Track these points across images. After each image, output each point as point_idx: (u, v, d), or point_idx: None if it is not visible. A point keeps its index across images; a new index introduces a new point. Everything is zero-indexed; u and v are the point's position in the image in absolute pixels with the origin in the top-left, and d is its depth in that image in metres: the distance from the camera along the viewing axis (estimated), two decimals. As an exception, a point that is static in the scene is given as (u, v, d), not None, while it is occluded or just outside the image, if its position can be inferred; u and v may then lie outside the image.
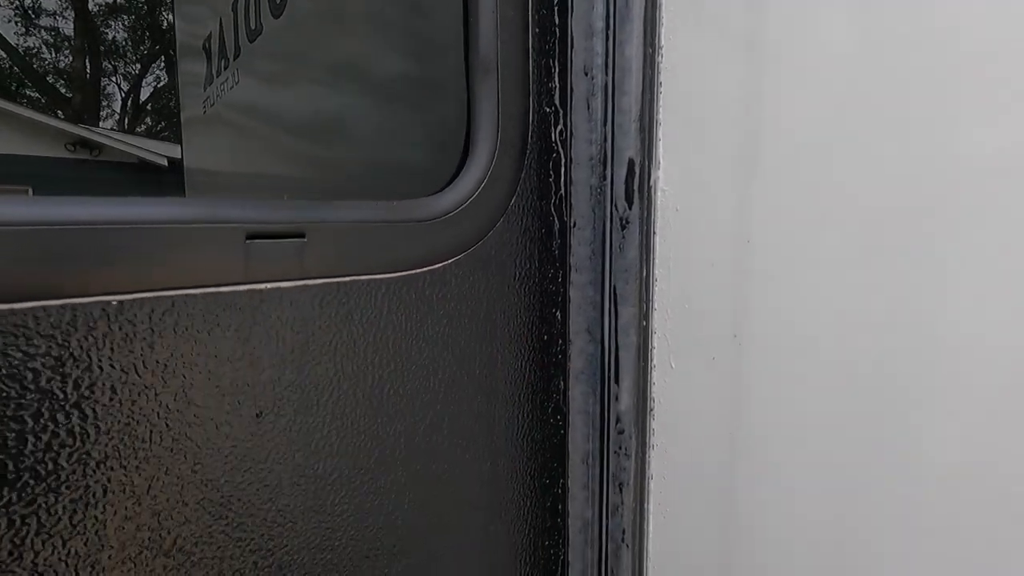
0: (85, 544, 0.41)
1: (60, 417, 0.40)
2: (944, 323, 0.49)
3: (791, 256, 0.58)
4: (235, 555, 0.49)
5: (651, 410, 0.70)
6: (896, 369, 0.52)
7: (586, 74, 0.69)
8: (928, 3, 0.48)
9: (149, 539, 0.44)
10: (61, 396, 0.40)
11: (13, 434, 0.39)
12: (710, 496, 0.67)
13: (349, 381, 0.53)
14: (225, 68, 2.18)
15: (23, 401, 0.39)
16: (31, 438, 0.39)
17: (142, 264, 0.42)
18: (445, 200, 0.60)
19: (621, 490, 0.71)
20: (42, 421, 0.40)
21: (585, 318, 0.73)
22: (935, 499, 0.50)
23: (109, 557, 0.42)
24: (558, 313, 0.72)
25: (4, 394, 0.38)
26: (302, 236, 0.49)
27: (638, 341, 0.69)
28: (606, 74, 0.68)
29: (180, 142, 2.90)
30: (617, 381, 0.70)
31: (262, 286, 0.47)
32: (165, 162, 12.22)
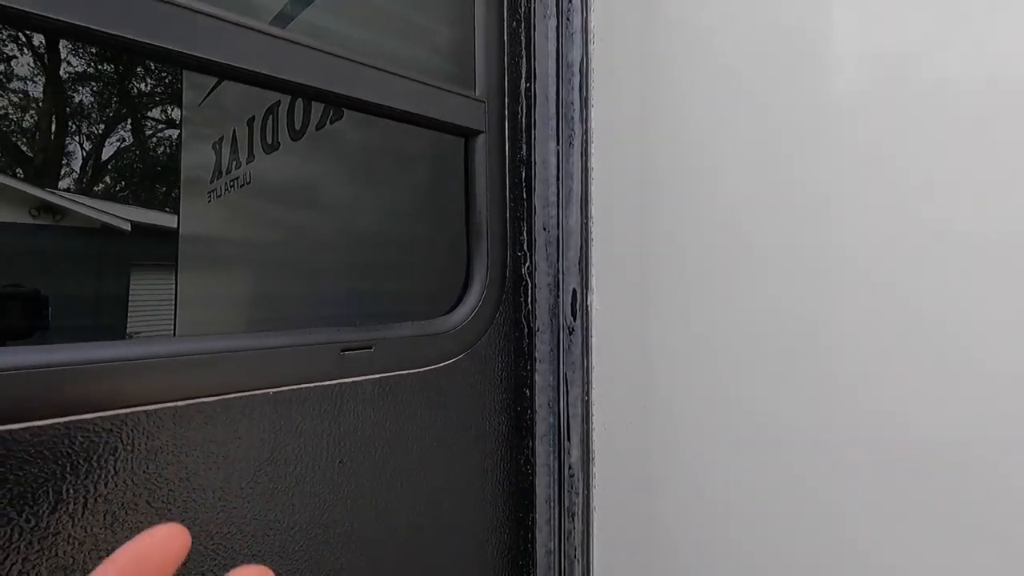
0: None
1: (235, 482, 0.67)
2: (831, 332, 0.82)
3: (684, 355, 0.91)
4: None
5: (592, 460, 1.00)
6: (805, 426, 0.84)
7: (544, 230, 1.04)
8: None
9: None
10: (243, 461, 0.67)
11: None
12: (637, 520, 0.96)
13: (396, 440, 0.82)
14: (236, 168, 2.49)
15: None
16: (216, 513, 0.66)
17: (285, 369, 0.71)
18: (453, 318, 0.91)
19: (573, 519, 1.00)
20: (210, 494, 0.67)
21: (546, 396, 1.04)
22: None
23: None
24: (527, 392, 1.03)
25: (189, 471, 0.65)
26: (370, 348, 0.79)
27: (582, 411, 1.00)
28: (558, 230, 1.03)
29: (177, 214, 3.20)
30: (569, 440, 1.00)
31: (348, 380, 0.76)
32: (128, 227, 12.22)
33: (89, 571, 0.38)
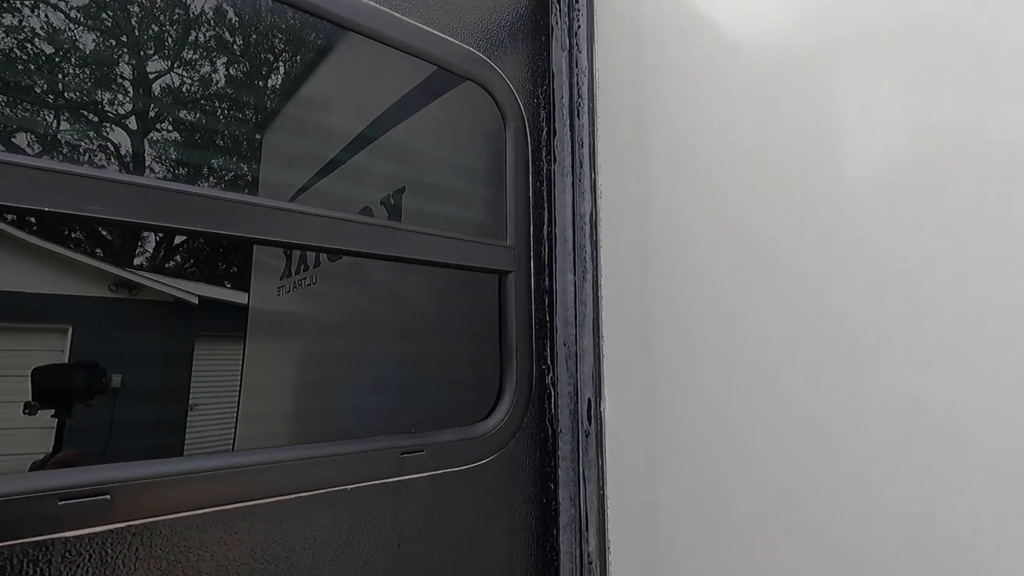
0: None
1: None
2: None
3: (685, 454, 1.08)
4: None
5: (608, 548, 1.16)
6: (803, 501, 0.99)
7: (565, 345, 1.25)
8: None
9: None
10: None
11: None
12: (645, 606, 1.10)
13: (443, 527, 1.02)
14: (304, 270, 2.84)
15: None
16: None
17: (359, 470, 0.93)
18: (488, 424, 1.12)
19: (591, 603, 1.14)
20: None
21: (568, 490, 1.21)
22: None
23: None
24: (552, 486, 1.21)
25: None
26: (422, 451, 1.00)
27: (598, 505, 1.17)
28: (575, 359, 1.24)
29: (248, 296, 3.61)
30: (587, 530, 1.16)
31: (406, 477, 0.97)
32: (196, 300, 13.19)
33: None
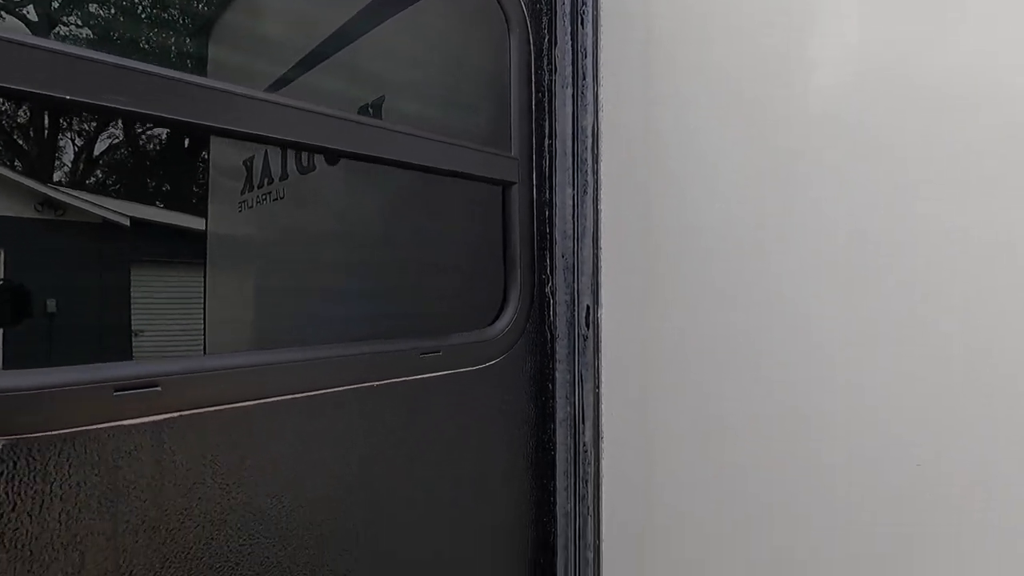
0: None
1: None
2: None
3: (677, 356, 1.18)
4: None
5: (601, 439, 1.28)
6: (783, 413, 1.11)
7: (563, 257, 1.31)
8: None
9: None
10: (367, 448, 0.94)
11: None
12: (639, 486, 1.24)
13: (458, 420, 1.09)
14: (269, 184, 2.73)
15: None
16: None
17: (385, 368, 0.98)
18: (495, 328, 1.19)
19: (586, 486, 1.27)
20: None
21: (564, 389, 1.31)
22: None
23: None
24: (550, 386, 1.30)
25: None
26: (439, 352, 1.06)
27: (594, 402, 1.28)
28: (574, 258, 1.30)
29: (206, 217, 3.45)
30: (583, 423, 1.28)
31: (427, 375, 1.03)
32: (128, 222, 12.39)
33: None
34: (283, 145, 0.90)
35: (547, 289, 1.30)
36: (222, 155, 3.30)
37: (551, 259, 1.30)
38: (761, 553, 1.05)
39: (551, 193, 1.30)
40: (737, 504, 1.08)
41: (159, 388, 0.74)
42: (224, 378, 0.79)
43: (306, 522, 0.88)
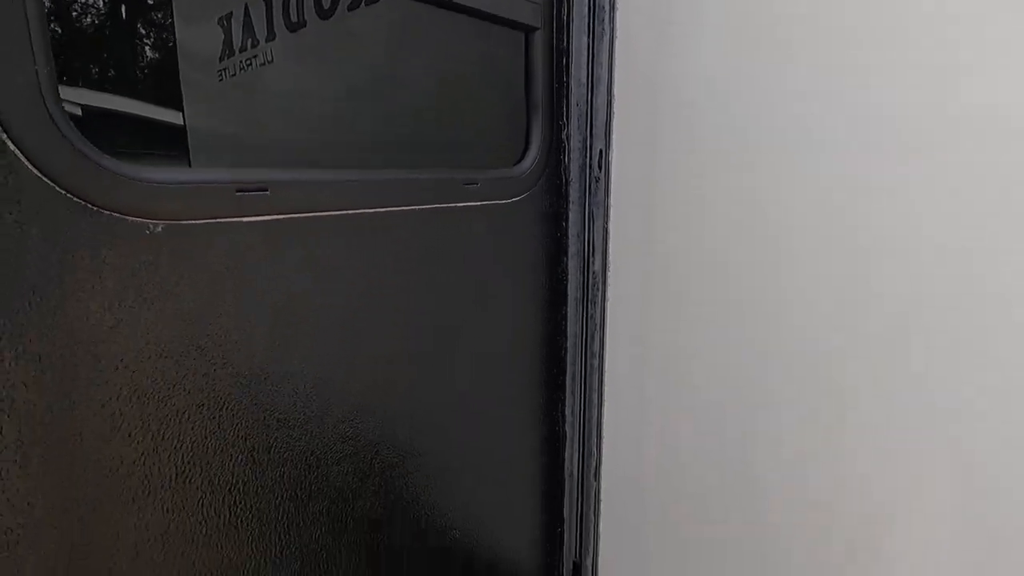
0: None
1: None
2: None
3: (682, 193, 1.36)
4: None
5: (608, 267, 1.48)
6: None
7: (577, 106, 1.42)
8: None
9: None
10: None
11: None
12: (640, 302, 1.46)
13: (491, 245, 1.27)
14: (253, 47, 2.63)
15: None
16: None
17: (433, 193, 1.12)
18: (522, 166, 1.33)
19: (594, 307, 1.50)
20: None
21: (575, 227, 1.49)
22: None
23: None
24: (564, 223, 1.48)
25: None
26: (477, 183, 1.20)
27: (604, 237, 1.46)
28: (587, 106, 1.41)
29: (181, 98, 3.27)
30: (593, 255, 1.47)
31: (465, 204, 1.18)
32: (80, 112, 11.39)
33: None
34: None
35: (563, 135, 1.43)
36: (190, 13, 3.09)
37: (567, 106, 1.41)
38: (756, 376, 1.30)
39: (568, 40, 1.38)
40: (732, 323, 1.32)
41: (268, 192, 0.87)
42: (315, 188, 0.93)
43: (370, 322, 1.06)
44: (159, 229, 0.76)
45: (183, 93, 3.34)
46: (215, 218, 0.81)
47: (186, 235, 0.78)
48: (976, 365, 0.99)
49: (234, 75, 2.86)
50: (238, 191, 0.83)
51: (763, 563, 1.32)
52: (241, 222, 0.84)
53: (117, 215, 0.72)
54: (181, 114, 3.32)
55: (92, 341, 0.72)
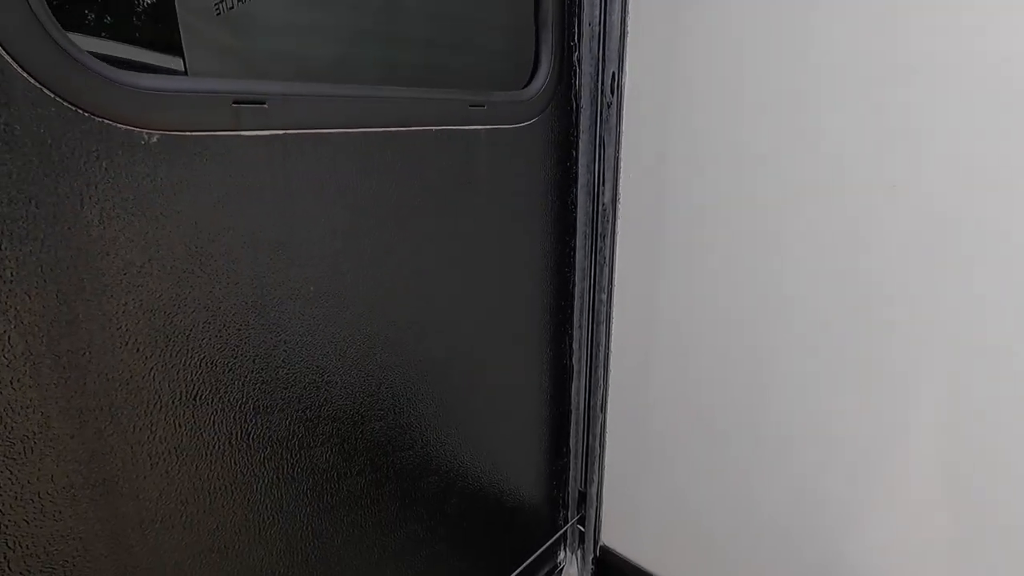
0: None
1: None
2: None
3: (700, 115, 1.30)
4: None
5: (618, 199, 1.45)
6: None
7: (589, 25, 1.35)
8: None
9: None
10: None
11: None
12: (647, 237, 1.44)
13: (499, 172, 1.23)
14: (251, -27, 2.50)
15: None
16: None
17: (440, 113, 1.08)
18: (530, 90, 1.27)
19: (604, 239, 1.47)
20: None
21: (585, 155, 1.44)
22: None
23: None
24: (573, 152, 1.43)
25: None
26: (483, 106, 1.16)
27: (614, 166, 1.42)
28: (600, 27, 1.34)
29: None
30: (603, 185, 1.43)
31: (471, 127, 1.14)
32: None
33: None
34: None
35: (574, 57, 1.36)
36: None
37: (578, 24, 1.34)
38: (765, 294, 1.28)
39: (580, -46, 1.30)
40: (744, 256, 1.29)
41: (266, 105, 0.83)
42: (315, 103, 0.89)
43: (373, 245, 1.05)
44: (154, 140, 0.73)
45: (181, 34, 3.22)
46: (212, 131, 0.78)
47: (182, 147, 0.76)
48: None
49: (232, 8, 2.74)
50: (235, 103, 0.80)
51: (767, 490, 1.35)
52: (240, 136, 0.82)
53: (109, 122, 0.69)
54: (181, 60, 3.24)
55: (94, 253, 0.72)
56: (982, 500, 1.06)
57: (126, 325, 0.76)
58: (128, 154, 0.72)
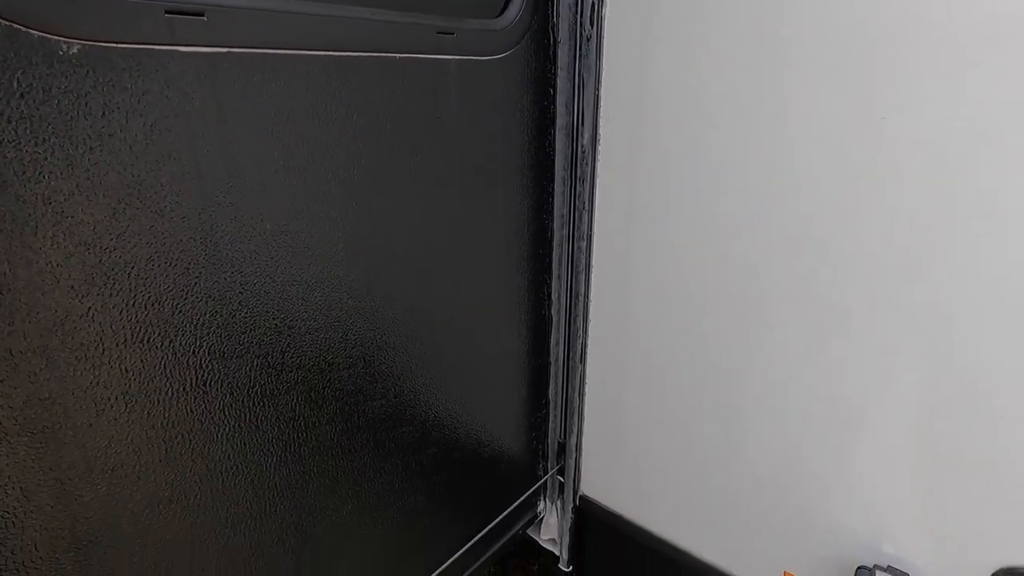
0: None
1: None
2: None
3: (679, 53, 1.23)
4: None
5: (598, 139, 1.38)
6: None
7: (569, -51, 1.25)
8: None
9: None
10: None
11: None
12: (627, 180, 1.38)
13: (472, 107, 1.16)
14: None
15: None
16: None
17: (402, 39, 1.00)
18: (504, 19, 1.19)
19: (583, 184, 1.41)
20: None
21: (564, 95, 1.37)
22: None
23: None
24: (551, 90, 1.35)
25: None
26: (452, 34, 1.07)
27: (593, 104, 1.35)
28: (580, -50, 1.25)
29: None
30: (582, 126, 1.37)
31: (439, 55, 1.06)
32: None
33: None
34: None
35: (551, -15, 1.27)
36: None
37: (556, -50, 1.25)
38: (746, 259, 1.24)
39: None
40: (724, 206, 1.24)
41: (205, 18, 0.75)
42: (262, 18, 0.81)
43: (334, 183, 0.98)
44: (74, 50, 0.66)
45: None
46: (142, 43, 0.70)
47: (108, 60, 0.68)
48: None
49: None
50: (168, 12, 0.71)
51: (747, 437, 1.34)
52: (176, 51, 0.74)
53: (19, 27, 0.61)
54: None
55: (20, 183, 0.65)
56: (955, 449, 1.06)
57: (56, 260, 0.69)
58: (45, 65, 0.64)
